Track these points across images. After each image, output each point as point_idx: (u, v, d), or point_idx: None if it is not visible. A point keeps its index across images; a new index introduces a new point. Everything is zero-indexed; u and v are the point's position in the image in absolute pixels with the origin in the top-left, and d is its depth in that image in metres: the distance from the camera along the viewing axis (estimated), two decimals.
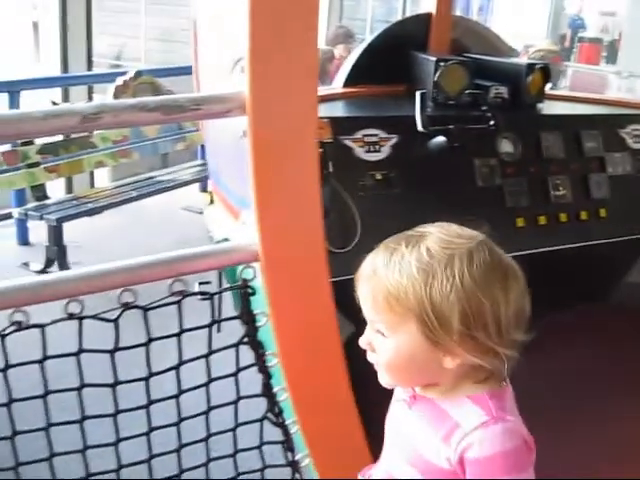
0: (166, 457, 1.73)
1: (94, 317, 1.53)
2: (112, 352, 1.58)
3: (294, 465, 1.86)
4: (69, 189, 5.64)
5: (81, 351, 1.56)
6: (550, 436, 2.53)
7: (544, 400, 2.71)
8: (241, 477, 1.84)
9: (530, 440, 1.14)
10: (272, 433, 1.81)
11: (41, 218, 4.42)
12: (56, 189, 5.72)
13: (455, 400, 1.18)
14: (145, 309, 1.57)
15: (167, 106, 1.43)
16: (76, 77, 5.47)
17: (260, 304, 1.68)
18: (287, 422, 1.81)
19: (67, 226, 4.55)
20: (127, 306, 1.55)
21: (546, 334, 3.01)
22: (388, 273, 1.15)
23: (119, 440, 1.66)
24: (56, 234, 4.43)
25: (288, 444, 1.84)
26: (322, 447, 1.83)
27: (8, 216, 4.91)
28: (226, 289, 1.66)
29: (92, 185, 5.68)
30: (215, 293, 1.63)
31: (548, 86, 3.36)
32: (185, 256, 1.60)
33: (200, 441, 1.76)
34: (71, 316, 1.52)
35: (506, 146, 2.86)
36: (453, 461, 1.14)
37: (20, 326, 1.49)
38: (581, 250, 2.93)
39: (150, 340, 1.60)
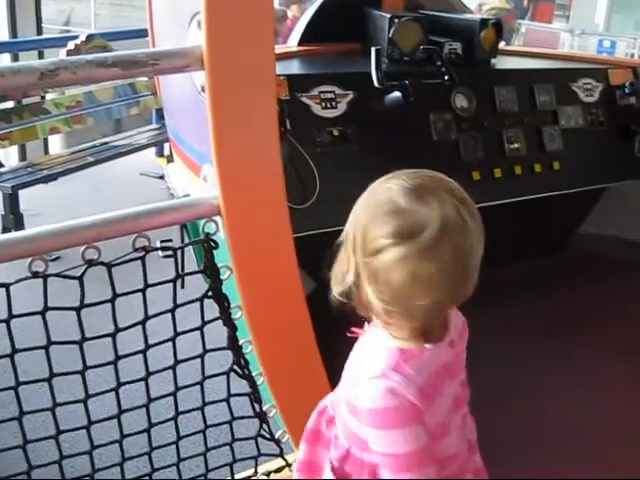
0: (135, 412, 1.75)
1: (58, 275, 1.54)
2: (78, 309, 1.58)
3: (262, 416, 1.90)
4: (23, 156, 5.55)
5: (47, 309, 1.56)
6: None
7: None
8: (209, 429, 1.87)
9: (418, 402, 1.15)
10: (239, 386, 1.84)
11: None
12: (10, 157, 5.64)
13: (379, 344, 1.24)
14: (109, 265, 1.58)
15: (125, 61, 1.43)
16: (26, 42, 5.35)
17: (223, 258, 1.70)
18: (253, 374, 1.84)
19: (23, 194, 4.48)
20: (91, 263, 1.56)
21: (501, 286, 3.11)
22: None
23: (88, 397, 1.67)
24: (12, 202, 4.36)
25: (255, 396, 1.87)
26: (288, 398, 1.87)
27: None
28: (189, 243, 1.68)
29: (46, 152, 5.60)
30: (178, 248, 1.64)
31: (502, 44, 3.40)
32: (148, 211, 1.61)
33: (168, 395, 1.79)
34: (35, 274, 1.52)
35: (461, 101, 2.89)
36: (354, 401, 1.24)
37: None
38: (536, 202, 2.99)
39: (115, 296, 1.61)
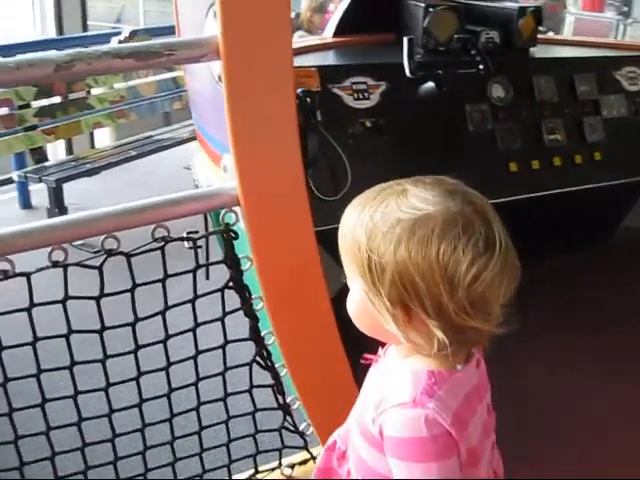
0: (156, 402, 1.76)
1: (78, 264, 1.55)
2: (97, 299, 1.59)
3: (285, 408, 1.89)
4: (70, 151, 5.65)
5: (67, 298, 1.58)
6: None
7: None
8: (232, 421, 1.87)
9: (454, 430, 1.06)
10: (262, 377, 1.83)
11: (40, 180, 4.43)
12: (57, 151, 5.74)
13: (402, 367, 1.13)
14: (128, 255, 1.58)
15: (141, 52, 1.43)
16: (71, 39, 5.42)
17: (244, 248, 1.69)
18: (276, 365, 1.84)
19: (68, 188, 4.56)
20: (111, 253, 1.56)
21: (547, 278, 3.06)
22: (350, 223, 1.12)
23: (109, 385, 1.69)
24: (56, 196, 4.44)
25: (278, 387, 1.86)
26: (311, 389, 1.86)
27: (10, 181, 4.92)
28: (208, 234, 1.67)
29: (92, 146, 5.68)
30: (197, 238, 1.64)
31: (550, 34, 3.34)
32: (167, 201, 1.61)
33: (190, 385, 1.79)
34: (55, 264, 1.54)
35: (497, 91, 2.85)
36: (376, 429, 1.11)
37: (6, 275, 1.51)
38: (576, 194, 2.93)
39: (135, 286, 1.62)
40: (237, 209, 1.66)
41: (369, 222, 1.07)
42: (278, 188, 1.65)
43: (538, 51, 3.13)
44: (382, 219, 1.06)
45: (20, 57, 1.37)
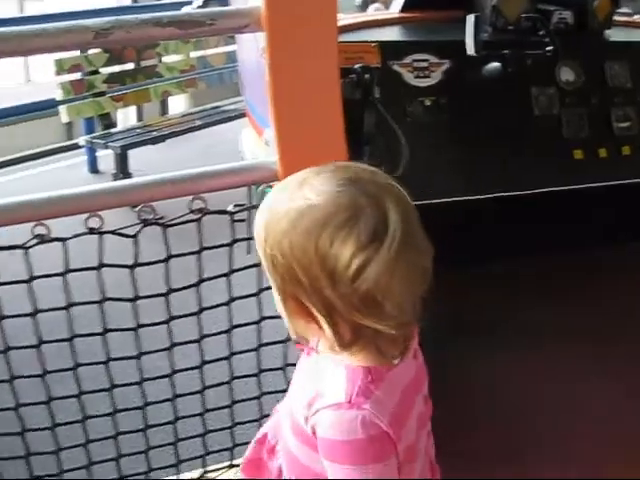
0: (188, 373, 1.75)
1: (113, 232, 1.55)
2: (132, 267, 1.59)
3: None
4: (140, 118, 5.71)
5: (102, 265, 1.58)
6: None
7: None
8: (264, 397, 1.85)
9: (392, 430, 1.00)
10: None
11: (106, 146, 4.50)
12: (128, 118, 5.82)
13: (335, 364, 1.04)
14: (164, 225, 1.58)
15: (182, 21, 1.41)
16: (145, 7, 5.49)
17: None
18: None
19: (135, 155, 4.61)
20: (147, 222, 1.56)
21: (600, 269, 2.95)
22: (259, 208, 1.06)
23: (141, 354, 1.69)
24: (122, 162, 4.50)
25: None
26: None
27: (79, 145, 5.01)
28: (246, 208, 1.65)
29: (163, 114, 5.73)
30: (236, 212, 1.62)
31: (637, 17, 3.20)
32: (206, 173, 1.60)
33: (223, 359, 1.78)
34: (92, 231, 1.54)
35: (567, 74, 2.73)
36: (309, 429, 1.04)
37: (42, 239, 1.52)
38: None
39: (170, 257, 1.61)
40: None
41: (266, 211, 1.02)
42: (319, 164, 1.61)
43: (614, 34, 2.98)
44: (275, 209, 1.00)
45: (60, 24, 1.36)
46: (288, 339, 1.78)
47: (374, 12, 3.92)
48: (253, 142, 2.27)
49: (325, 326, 0.98)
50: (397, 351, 1.05)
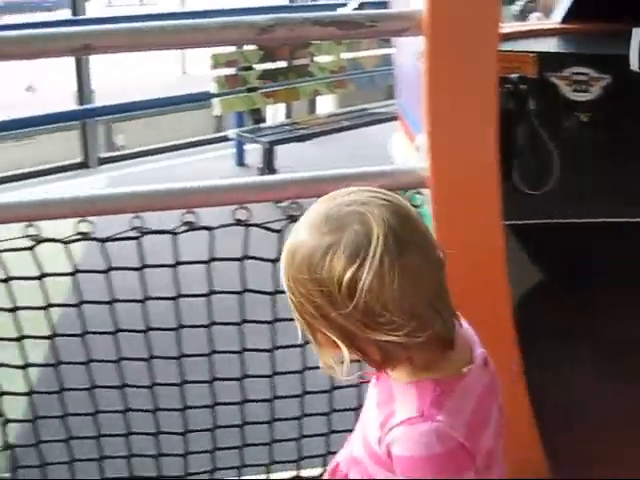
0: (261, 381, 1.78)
1: (258, 225, 1.58)
2: (274, 262, 1.62)
3: None
4: (289, 114, 5.81)
5: (245, 257, 1.62)
6: None
7: None
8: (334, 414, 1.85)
9: (469, 443, 0.98)
10: None
11: (254, 140, 4.61)
12: (278, 114, 5.93)
13: (403, 381, 1.03)
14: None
15: (342, 22, 1.41)
16: (300, 7, 5.59)
17: None
18: None
19: (282, 151, 4.69)
20: (293, 218, 1.58)
21: None
22: None
23: (212, 352, 1.74)
24: (268, 157, 4.59)
25: None
26: None
27: (228, 138, 5.16)
28: None
29: (312, 112, 5.81)
30: None
31: None
32: (352, 174, 1.61)
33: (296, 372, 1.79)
34: (239, 222, 1.58)
35: None
36: (383, 450, 1.02)
37: (191, 226, 1.57)
38: None
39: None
40: (425, 191, 1.61)
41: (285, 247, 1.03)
42: (469, 175, 1.58)
43: None
44: (286, 246, 1.01)
45: (224, 19, 1.40)
46: None
47: (535, 21, 3.83)
48: (404, 147, 2.26)
49: (351, 352, 0.97)
50: (463, 358, 1.03)
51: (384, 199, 0.98)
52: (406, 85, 2.35)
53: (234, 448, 1.87)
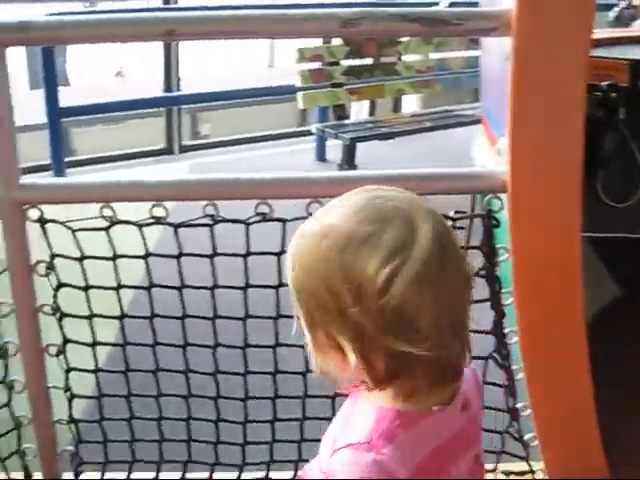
0: None
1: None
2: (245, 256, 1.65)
3: (513, 412, 1.78)
4: (372, 112, 5.80)
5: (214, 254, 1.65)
6: None
7: None
8: None
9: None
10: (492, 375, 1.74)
11: (336, 136, 4.60)
12: (363, 110, 5.92)
13: (369, 403, 0.98)
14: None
15: (428, 18, 1.38)
16: (391, 4, 5.53)
17: (504, 238, 1.61)
18: (513, 367, 1.73)
19: (363, 148, 4.68)
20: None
21: None
22: None
23: (246, 346, 1.75)
24: (349, 153, 4.59)
25: (511, 389, 1.76)
26: (545, 400, 1.73)
27: (310, 132, 5.18)
28: (467, 216, 1.60)
29: (395, 110, 5.78)
30: (457, 219, 1.58)
31: None
32: (432, 175, 1.58)
33: None
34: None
35: None
36: (327, 468, 0.97)
37: (264, 217, 1.57)
38: None
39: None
40: (503, 196, 1.57)
41: (296, 237, 0.99)
42: (550, 182, 1.53)
43: None
44: (304, 234, 0.96)
45: (308, 11, 1.39)
46: (490, 357, 1.73)
47: (636, 28, 3.70)
48: (485, 150, 2.22)
49: (356, 358, 0.91)
50: (441, 397, 0.97)
51: (426, 205, 0.94)
52: (490, 87, 2.30)
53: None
